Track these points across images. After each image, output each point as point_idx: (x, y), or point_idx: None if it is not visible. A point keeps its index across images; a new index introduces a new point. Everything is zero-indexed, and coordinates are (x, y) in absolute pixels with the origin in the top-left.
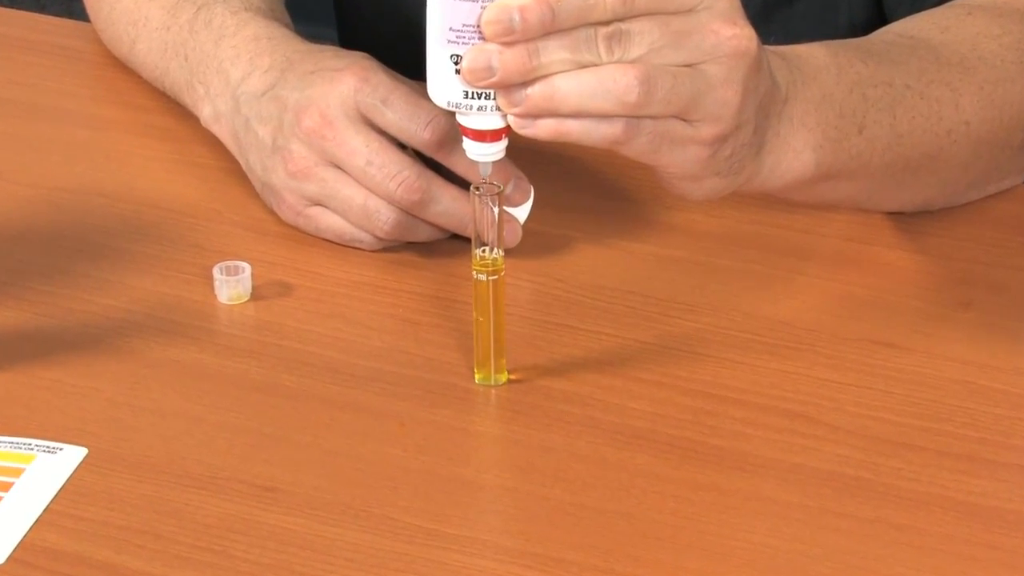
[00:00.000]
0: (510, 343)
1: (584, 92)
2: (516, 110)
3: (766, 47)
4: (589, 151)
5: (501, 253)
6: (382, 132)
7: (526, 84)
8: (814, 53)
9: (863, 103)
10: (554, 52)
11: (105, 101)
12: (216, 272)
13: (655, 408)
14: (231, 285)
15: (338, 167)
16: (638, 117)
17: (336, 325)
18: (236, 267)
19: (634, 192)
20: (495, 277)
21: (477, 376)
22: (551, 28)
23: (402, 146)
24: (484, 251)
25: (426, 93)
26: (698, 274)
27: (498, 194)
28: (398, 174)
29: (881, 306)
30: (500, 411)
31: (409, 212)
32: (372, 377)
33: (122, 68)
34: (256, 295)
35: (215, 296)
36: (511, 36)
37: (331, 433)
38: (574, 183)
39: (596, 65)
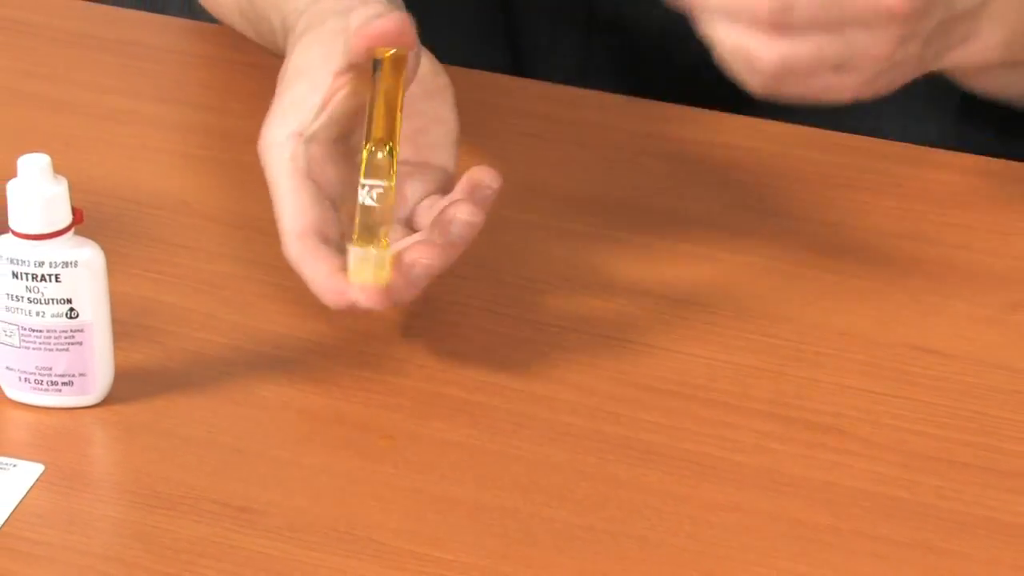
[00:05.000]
0: (508, 347)
1: None
2: None
3: None
4: (593, 135)
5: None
6: None
7: None
8: None
9: None
10: None
11: (61, 80)
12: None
13: (670, 420)
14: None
15: None
16: None
17: (318, 328)
18: None
19: (645, 181)
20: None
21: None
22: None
23: None
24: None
25: None
26: (717, 272)
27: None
28: None
29: (921, 308)
30: (499, 423)
31: None
32: (358, 386)
33: (79, 44)
34: (229, 296)
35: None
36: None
37: (313, 448)
38: (576, 170)
39: None
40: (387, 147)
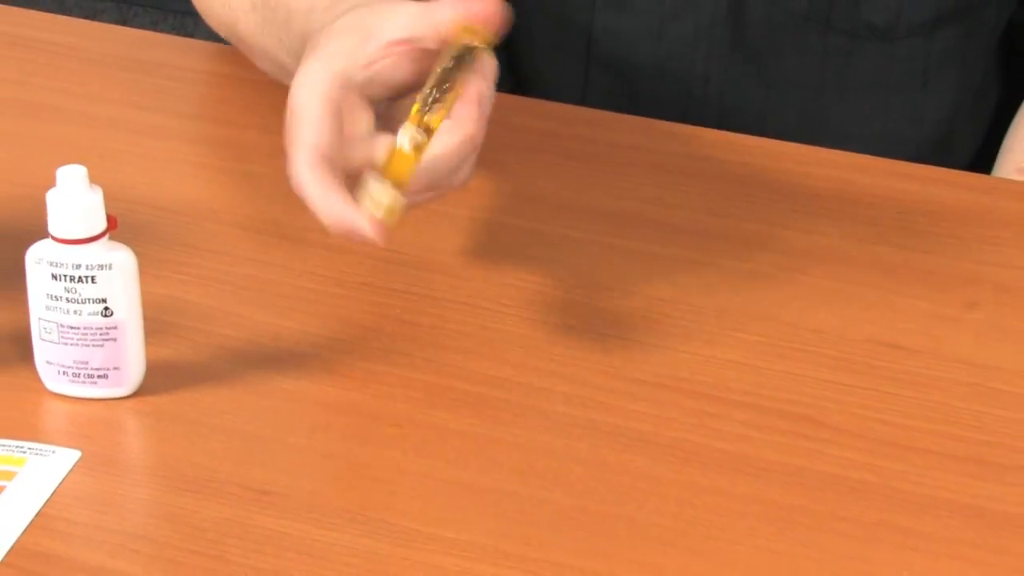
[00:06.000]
0: (507, 343)
1: None
2: None
3: None
4: (586, 148)
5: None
6: None
7: None
8: None
9: None
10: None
11: (98, 99)
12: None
13: (657, 410)
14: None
15: None
16: None
17: (333, 326)
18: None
19: (636, 191)
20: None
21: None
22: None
23: None
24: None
25: None
26: (701, 274)
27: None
28: None
29: (887, 307)
30: (499, 413)
31: None
32: (369, 379)
33: (115, 65)
34: (251, 296)
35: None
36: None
37: (328, 436)
38: (571, 180)
39: None
40: (438, 110)
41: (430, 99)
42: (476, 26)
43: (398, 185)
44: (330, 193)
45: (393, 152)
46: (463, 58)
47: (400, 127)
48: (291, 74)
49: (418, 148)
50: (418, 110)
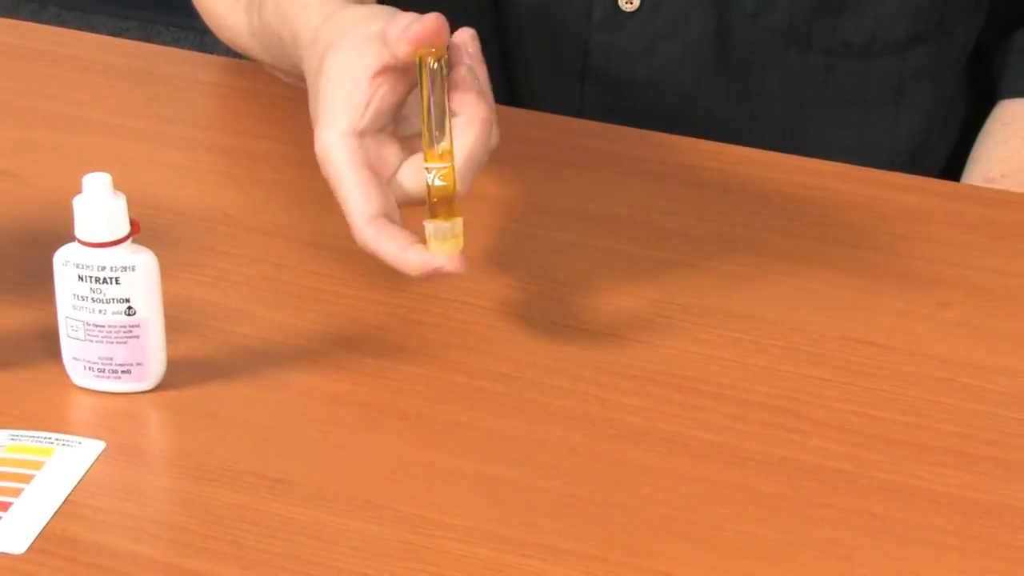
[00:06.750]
0: (507, 340)
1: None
2: None
3: None
4: (581, 157)
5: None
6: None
7: None
8: None
9: None
10: None
11: (122, 111)
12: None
13: (648, 404)
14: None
15: None
16: None
17: (343, 324)
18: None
19: (629, 197)
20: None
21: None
22: None
23: None
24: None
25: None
26: (690, 276)
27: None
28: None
29: (864, 307)
30: (499, 406)
31: None
32: (377, 374)
33: (137, 80)
34: (266, 296)
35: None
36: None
37: (338, 428)
38: (571, 189)
39: None
40: (442, 136)
41: (431, 128)
42: (426, 47)
43: (449, 213)
44: (403, 247)
45: (430, 189)
46: (436, 74)
47: (424, 167)
48: (300, 77)
49: (446, 176)
50: (428, 147)
